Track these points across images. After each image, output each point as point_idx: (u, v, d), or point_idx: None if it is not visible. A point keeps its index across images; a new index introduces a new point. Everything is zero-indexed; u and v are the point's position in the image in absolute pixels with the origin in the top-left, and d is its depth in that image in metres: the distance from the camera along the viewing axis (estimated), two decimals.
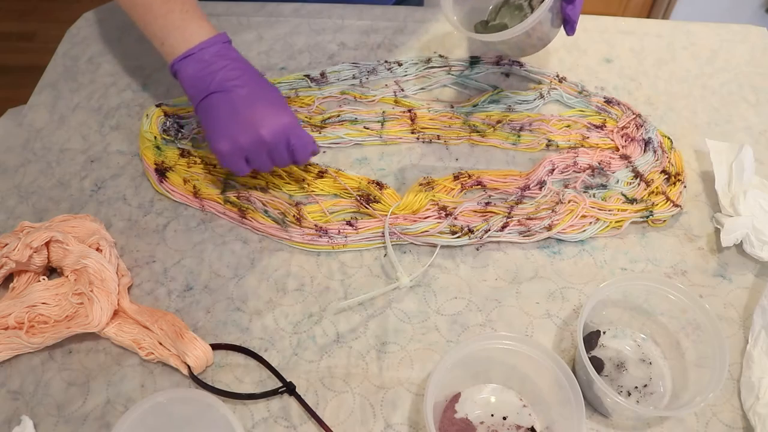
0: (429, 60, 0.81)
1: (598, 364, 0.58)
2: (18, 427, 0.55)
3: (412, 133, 0.75)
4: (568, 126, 0.75)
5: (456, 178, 0.71)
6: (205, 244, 0.67)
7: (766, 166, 0.73)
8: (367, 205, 0.68)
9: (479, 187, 0.70)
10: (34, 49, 2.02)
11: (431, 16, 0.87)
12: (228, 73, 0.62)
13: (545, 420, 0.56)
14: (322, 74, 0.80)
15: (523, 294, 0.64)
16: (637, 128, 0.74)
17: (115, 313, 0.60)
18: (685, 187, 0.70)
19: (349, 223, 0.67)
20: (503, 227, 0.66)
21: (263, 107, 0.61)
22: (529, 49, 0.71)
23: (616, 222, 0.67)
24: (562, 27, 0.68)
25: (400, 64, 0.81)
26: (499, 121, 0.75)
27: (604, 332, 0.61)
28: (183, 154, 0.73)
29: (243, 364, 0.60)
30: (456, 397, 0.57)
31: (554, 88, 0.79)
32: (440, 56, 0.82)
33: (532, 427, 0.56)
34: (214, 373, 0.59)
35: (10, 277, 0.64)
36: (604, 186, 0.70)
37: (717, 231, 0.67)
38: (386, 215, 0.66)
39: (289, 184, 0.70)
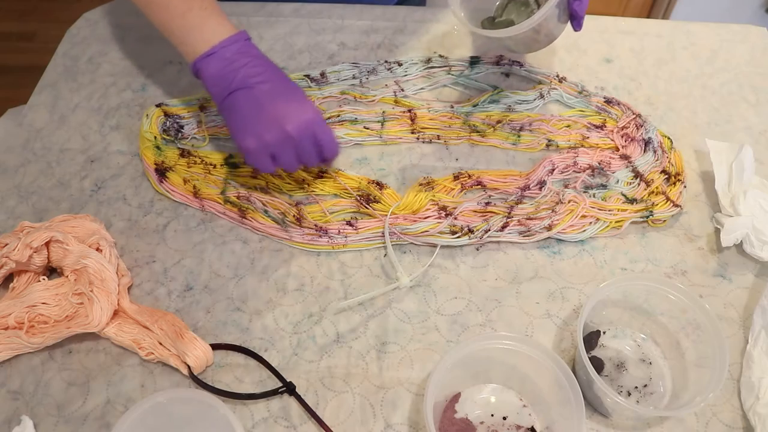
0: (429, 60, 0.81)
1: (598, 364, 0.58)
2: (18, 427, 0.55)
3: (412, 133, 0.75)
4: (568, 126, 0.75)
5: (456, 178, 0.71)
6: (205, 244, 0.67)
7: (766, 166, 0.73)
8: (367, 205, 0.68)
9: (479, 187, 0.71)
10: (34, 49, 2.02)
11: (431, 16, 0.87)
12: (250, 69, 0.62)
13: (545, 420, 0.56)
14: (322, 74, 0.80)
15: (523, 294, 0.64)
16: (637, 128, 0.74)
17: (115, 313, 0.60)
18: (685, 187, 0.70)
19: (349, 223, 0.67)
20: (503, 227, 0.66)
21: (287, 102, 0.61)
22: (535, 45, 0.71)
23: (616, 222, 0.67)
24: (568, 23, 0.68)
25: (400, 64, 0.81)
26: (499, 121, 0.75)
27: (604, 332, 0.61)
28: (183, 154, 0.73)
29: (243, 364, 0.60)
30: (456, 397, 0.57)
31: (554, 88, 0.79)
32: (440, 56, 0.82)
33: (532, 427, 0.56)
34: (214, 373, 0.59)
35: (10, 277, 0.64)
36: (604, 186, 0.70)
37: (717, 231, 0.67)
38: (386, 215, 0.66)
39: (289, 184, 0.70)
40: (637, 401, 0.57)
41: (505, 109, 0.77)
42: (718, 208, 0.68)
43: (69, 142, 0.76)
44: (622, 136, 0.74)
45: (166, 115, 0.75)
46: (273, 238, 0.67)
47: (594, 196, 0.68)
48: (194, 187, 0.70)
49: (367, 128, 0.76)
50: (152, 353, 0.59)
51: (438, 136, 0.75)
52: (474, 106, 0.77)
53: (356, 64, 0.81)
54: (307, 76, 0.79)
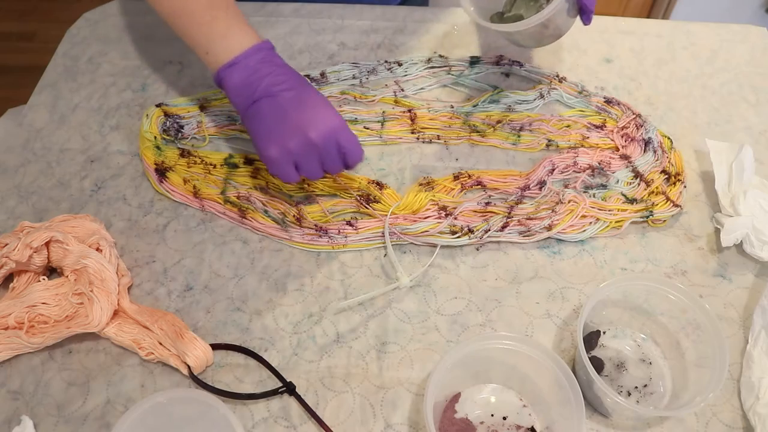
0: (429, 60, 0.81)
1: (598, 364, 0.58)
2: (18, 427, 0.55)
3: (412, 133, 0.75)
4: (568, 126, 0.75)
5: (456, 178, 0.71)
6: (205, 244, 0.67)
7: (766, 166, 0.73)
8: (367, 205, 0.68)
9: (479, 187, 0.71)
10: (34, 49, 2.02)
11: (431, 16, 0.87)
12: (274, 78, 0.61)
13: (545, 420, 0.56)
14: (322, 74, 0.80)
15: (523, 294, 0.64)
16: (637, 128, 0.74)
17: (115, 313, 0.60)
18: (685, 187, 0.70)
19: (349, 223, 0.67)
20: (503, 227, 0.66)
21: (311, 110, 0.60)
22: (545, 39, 0.71)
23: (616, 222, 0.67)
24: (576, 18, 0.68)
25: (400, 64, 0.81)
26: (499, 121, 0.75)
27: (604, 332, 0.61)
28: (183, 154, 0.73)
29: (243, 364, 0.60)
30: (456, 397, 0.57)
31: (554, 88, 0.79)
32: (440, 56, 0.82)
33: (532, 427, 0.56)
34: (214, 373, 0.59)
35: (10, 277, 0.64)
36: (604, 186, 0.70)
37: (717, 231, 0.67)
38: (386, 215, 0.66)
39: (288, 184, 0.70)
40: (637, 401, 0.57)
41: (505, 109, 0.77)
42: (718, 208, 0.68)
43: (69, 142, 0.76)
44: (622, 136, 0.74)
45: (166, 115, 0.75)
46: (273, 238, 0.67)
47: (594, 196, 0.68)
48: (194, 187, 0.70)
49: (367, 128, 0.76)
50: (152, 353, 0.59)
51: (438, 136, 0.75)
52: (474, 106, 0.77)
53: (356, 64, 0.81)
54: (307, 76, 0.79)
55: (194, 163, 0.72)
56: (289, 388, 0.57)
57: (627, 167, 0.71)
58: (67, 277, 0.62)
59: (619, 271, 0.65)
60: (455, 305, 0.63)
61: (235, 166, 0.72)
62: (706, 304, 0.55)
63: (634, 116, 0.75)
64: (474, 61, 0.81)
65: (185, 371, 0.58)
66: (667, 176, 0.70)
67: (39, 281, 0.62)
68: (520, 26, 0.65)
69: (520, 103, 0.78)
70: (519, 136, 0.74)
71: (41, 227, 0.63)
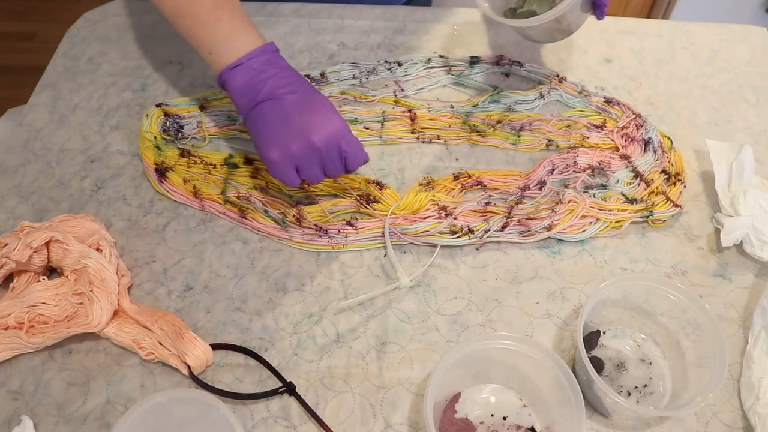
0: (429, 60, 0.81)
1: (598, 364, 0.58)
2: (18, 427, 0.55)
3: (412, 133, 0.75)
4: (568, 126, 0.75)
5: (456, 178, 0.71)
6: (205, 244, 0.67)
7: (766, 166, 0.73)
8: (367, 205, 0.68)
9: (479, 187, 0.70)
10: (34, 49, 2.02)
11: (431, 16, 0.87)
12: (278, 81, 0.61)
13: (545, 420, 0.56)
14: (322, 74, 0.80)
15: (523, 294, 0.64)
16: (637, 128, 0.74)
17: (115, 313, 0.60)
18: (685, 187, 0.70)
19: (349, 223, 0.67)
20: (503, 227, 0.66)
21: (314, 114, 0.60)
22: (558, 35, 0.71)
23: (616, 222, 0.67)
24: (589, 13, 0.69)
25: (400, 64, 0.81)
26: (499, 121, 0.75)
27: (604, 332, 0.61)
28: (183, 154, 0.73)
29: (243, 364, 0.60)
30: (456, 397, 0.57)
31: (554, 88, 0.79)
32: (440, 56, 0.82)
33: (532, 427, 0.56)
34: (214, 373, 0.59)
35: (10, 277, 0.64)
36: (604, 186, 0.70)
37: (717, 231, 0.67)
38: (386, 215, 0.66)
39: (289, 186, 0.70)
40: (637, 401, 0.57)
41: (505, 109, 0.77)
42: (718, 208, 0.68)
43: (69, 142, 0.76)
44: (622, 136, 0.74)
45: (166, 115, 0.75)
46: (273, 238, 0.67)
47: (594, 196, 0.68)
48: (194, 187, 0.70)
49: (367, 128, 0.76)
50: (152, 353, 0.59)
51: (438, 136, 0.75)
52: (474, 106, 0.77)
53: (356, 64, 0.81)
54: (307, 76, 0.79)
55: (194, 163, 0.72)
56: (289, 388, 0.57)
57: (627, 167, 0.71)
58: (67, 277, 0.62)
59: (619, 271, 0.65)
60: (455, 305, 0.63)
61: (235, 166, 0.72)
62: (706, 304, 0.55)
63: (634, 116, 0.75)
64: (474, 61, 0.81)
65: (185, 371, 0.58)
66: (667, 176, 0.70)
67: (39, 281, 0.62)
68: (534, 22, 0.65)
69: (520, 103, 0.78)
70: (519, 136, 0.74)
71: (41, 227, 0.63)
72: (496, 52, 0.83)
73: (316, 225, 0.66)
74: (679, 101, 0.79)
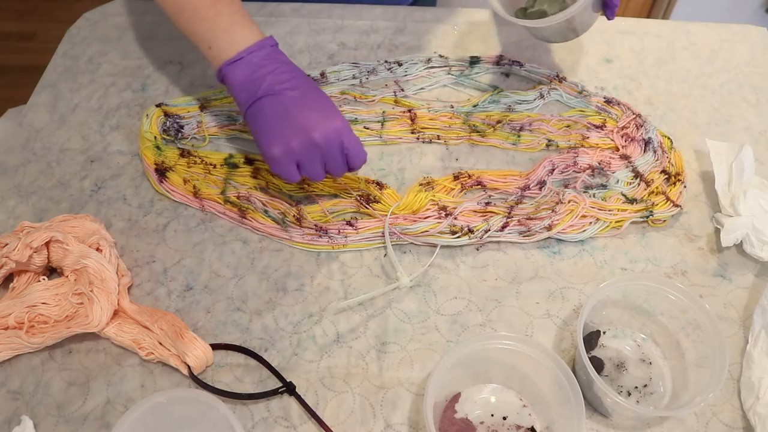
0: (429, 60, 0.81)
1: (598, 364, 0.58)
2: (18, 427, 0.55)
3: (412, 133, 0.75)
4: (568, 126, 0.75)
5: (456, 178, 0.71)
6: (205, 244, 0.67)
7: (766, 166, 0.73)
8: (367, 205, 0.68)
9: (479, 187, 0.70)
10: (34, 49, 2.02)
11: (431, 16, 0.87)
12: (278, 76, 0.61)
13: (545, 420, 0.56)
14: (322, 74, 0.80)
15: (523, 294, 0.64)
16: (637, 128, 0.74)
17: (115, 313, 0.60)
18: (685, 187, 0.70)
19: (349, 223, 0.67)
20: (503, 227, 0.66)
21: (315, 110, 0.60)
22: (569, 35, 0.71)
23: (616, 222, 0.67)
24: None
25: (400, 64, 0.81)
26: (499, 121, 0.75)
27: (604, 332, 0.61)
28: (183, 154, 0.73)
29: (243, 364, 0.60)
30: (456, 397, 0.57)
31: (554, 88, 0.79)
32: (440, 56, 0.82)
33: (532, 427, 0.56)
34: (214, 373, 0.59)
35: (10, 277, 0.64)
36: (604, 186, 0.70)
37: (717, 231, 0.67)
38: (386, 215, 0.66)
39: (289, 183, 0.70)
40: (637, 401, 0.57)
41: (505, 109, 0.77)
42: (718, 208, 0.68)
43: (69, 142, 0.76)
44: (622, 136, 0.74)
45: (166, 115, 0.75)
46: (273, 238, 0.67)
47: (594, 196, 0.68)
48: (194, 187, 0.70)
49: (367, 128, 0.75)
50: (152, 353, 0.59)
51: (438, 136, 0.75)
52: (474, 106, 0.77)
53: (356, 64, 0.81)
54: (307, 76, 0.79)
55: (194, 163, 0.72)
56: (289, 388, 0.57)
57: (627, 167, 0.71)
58: (67, 277, 0.62)
59: (619, 271, 0.65)
60: (455, 305, 0.63)
61: (235, 166, 0.72)
62: (706, 304, 0.55)
63: (634, 116, 0.75)
64: (474, 61, 0.81)
65: (185, 371, 0.58)
66: (667, 176, 0.70)
67: (39, 281, 0.62)
68: (546, 22, 0.66)
69: (520, 103, 0.78)
70: (519, 136, 0.74)
71: (41, 227, 0.63)
72: (496, 52, 0.83)
73: (316, 225, 0.66)
74: (679, 101, 0.79)
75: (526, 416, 0.56)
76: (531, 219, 0.67)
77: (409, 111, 0.77)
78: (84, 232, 0.64)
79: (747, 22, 0.89)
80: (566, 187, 0.70)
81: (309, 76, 0.79)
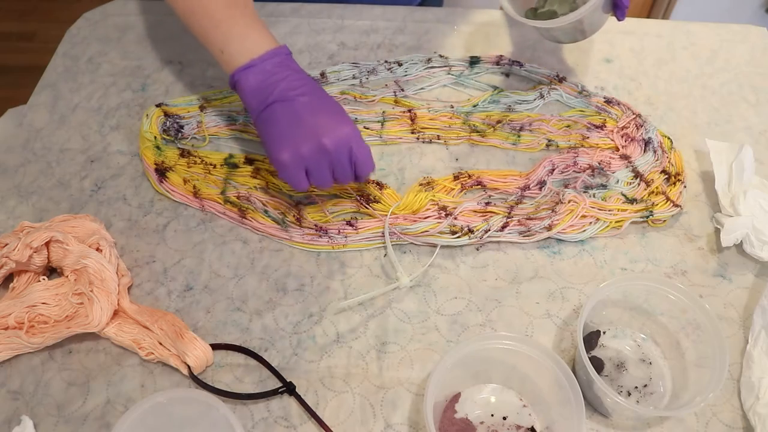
0: (429, 60, 0.81)
1: (598, 364, 0.58)
2: (18, 427, 0.55)
3: (412, 133, 0.75)
4: (568, 126, 0.75)
5: (456, 178, 0.71)
6: (205, 244, 0.67)
7: (766, 166, 0.73)
8: (367, 205, 0.68)
9: (479, 187, 0.71)
10: (34, 49, 2.02)
11: (431, 16, 0.87)
12: (290, 83, 0.60)
13: (545, 420, 0.56)
14: (322, 74, 0.80)
15: (523, 294, 0.64)
16: (637, 128, 0.74)
17: (115, 313, 0.60)
18: (685, 187, 0.70)
19: (349, 223, 0.67)
20: (503, 227, 0.66)
21: (325, 116, 0.59)
22: (579, 35, 0.71)
23: (616, 222, 0.67)
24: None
25: (400, 64, 0.81)
26: (499, 121, 0.75)
27: (604, 332, 0.61)
28: (183, 154, 0.73)
29: (243, 364, 0.60)
30: (456, 397, 0.57)
31: (554, 88, 0.79)
32: (440, 56, 0.82)
33: (532, 427, 0.56)
34: (214, 373, 0.59)
35: (10, 277, 0.64)
36: (604, 186, 0.70)
37: (717, 231, 0.67)
38: (386, 215, 0.66)
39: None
40: (637, 401, 0.57)
41: (505, 109, 0.77)
42: (718, 208, 0.68)
43: (69, 142, 0.76)
44: (622, 136, 0.74)
45: (166, 115, 0.75)
46: (273, 238, 0.67)
47: (594, 196, 0.68)
48: (194, 187, 0.70)
49: (367, 128, 0.76)
50: (152, 353, 0.59)
51: (438, 136, 0.75)
52: (474, 106, 0.77)
53: (356, 64, 0.81)
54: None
55: (194, 163, 0.72)
56: (289, 388, 0.57)
57: (627, 167, 0.71)
58: (67, 277, 0.62)
59: (619, 271, 0.65)
60: (455, 305, 0.63)
61: (235, 166, 0.72)
62: (706, 304, 0.55)
63: (634, 116, 0.75)
64: (474, 61, 0.81)
65: (185, 371, 0.58)
66: (667, 176, 0.70)
67: (39, 281, 0.62)
68: (556, 23, 0.66)
69: (520, 103, 0.78)
70: (519, 136, 0.74)
71: (41, 227, 0.63)
72: (496, 52, 0.83)
73: (316, 225, 0.67)
74: (679, 101, 0.79)
75: (526, 416, 0.56)
76: (531, 219, 0.67)
77: (409, 111, 0.77)
78: (84, 232, 0.64)
79: (747, 22, 0.89)
80: (566, 187, 0.70)
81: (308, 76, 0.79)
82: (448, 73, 0.81)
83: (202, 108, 0.76)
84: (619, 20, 0.69)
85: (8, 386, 0.59)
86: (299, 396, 0.57)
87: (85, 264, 0.60)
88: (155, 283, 0.65)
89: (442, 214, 0.66)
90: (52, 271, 0.65)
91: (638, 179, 0.70)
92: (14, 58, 1.99)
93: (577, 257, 0.66)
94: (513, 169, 0.72)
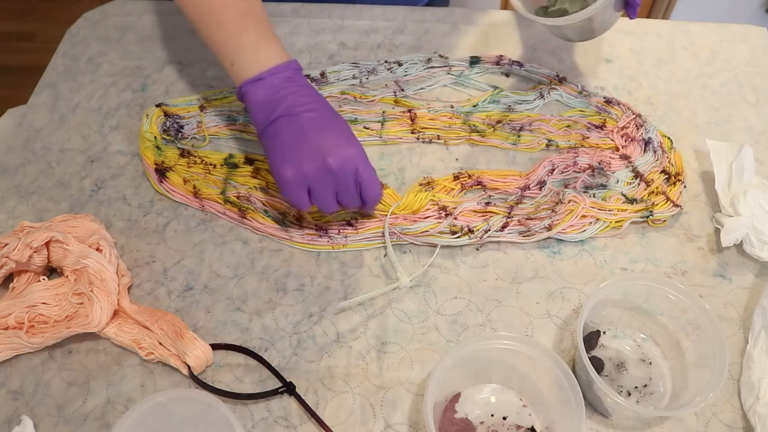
0: (429, 60, 0.81)
1: (598, 364, 0.58)
2: (18, 427, 0.55)
3: (412, 133, 0.75)
4: (568, 126, 0.75)
5: (456, 178, 0.71)
6: (205, 244, 0.67)
7: (766, 166, 0.73)
8: None
9: (479, 187, 0.71)
10: (34, 49, 2.02)
11: (431, 16, 0.87)
12: (298, 98, 0.59)
13: (545, 420, 0.56)
14: (322, 74, 0.80)
15: (523, 294, 0.64)
16: (637, 128, 0.74)
17: (115, 313, 0.60)
18: (685, 187, 0.70)
19: (349, 223, 0.67)
20: (503, 227, 0.66)
21: (331, 135, 0.58)
22: (590, 33, 0.71)
23: (616, 222, 0.67)
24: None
25: (400, 64, 0.81)
26: (499, 121, 0.75)
27: (604, 332, 0.61)
28: (183, 154, 0.73)
29: (243, 364, 0.60)
30: (456, 397, 0.57)
31: (554, 88, 0.79)
32: (440, 56, 0.82)
33: (532, 427, 0.56)
34: (214, 373, 0.59)
35: (10, 277, 0.64)
36: (604, 186, 0.70)
37: (717, 231, 0.67)
38: (386, 215, 0.66)
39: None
40: (637, 401, 0.57)
41: (505, 109, 0.77)
42: (718, 208, 0.68)
43: (69, 142, 0.76)
44: (622, 136, 0.74)
45: (166, 115, 0.75)
46: (273, 238, 0.67)
47: (594, 196, 0.68)
48: (194, 187, 0.70)
49: (367, 128, 0.76)
50: (152, 353, 0.59)
51: (438, 136, 0.75)
52: (474, 106, 0.77)
53: (356, 64, 0.81)
54: (307, 76, 0.79)
55: (194, 163, 0.72)
56: (289, 388, 0.57)
57: (627, 167, 0.71)
58: (67, 277, 0.62)
59: (619, 271, 0.65)
60: (455, 305, 0.63)
61: (235, 166, 0.72)
62: (706, 304, 0.55)
63: (634, 116, 0.75)
64: (474, 61, 0.81)
65: (185, 371, 0.58)
66: (667, 176, 0.70)
67: (39, 281, 0.62)
68: (567, 21, 0.66)
69: (520, 103, 0.78)
70: (519, 136, 0.74)
71: (41, 227, 0.63)
72: (496, 52, 0.83)
73: (316, 225, 0.67)
74: (679, 101, 0.79)
75: (526, 416, 0.56)
76: (531, 219, 0.67)
77: (409, 111, 0.77)
78: (84, 232, 0.64)
79: (747, 22, 0.89)
80: (566, 187, 0.70)
81: (309, 76, 0.79)
82: (448, 73, 0.81)
83: (202, 108, 0.76)
84: (630, 18, 0.69)
85: (8, 386, 0.59)
86: (299, 396, 0.57)
87: (85, 264, 0.60)
88: (155, 283, 0.65)
89: (442, 214, 0.66)
90: (52, 271, 0.65)
91: (638, 179, 0.70)
92: (14, 58, 1.99)
93: (577, 257, 0.66)
94: (513, 169, 0.72)
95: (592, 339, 0.60)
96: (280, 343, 0.61)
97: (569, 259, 0.66)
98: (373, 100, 0.78)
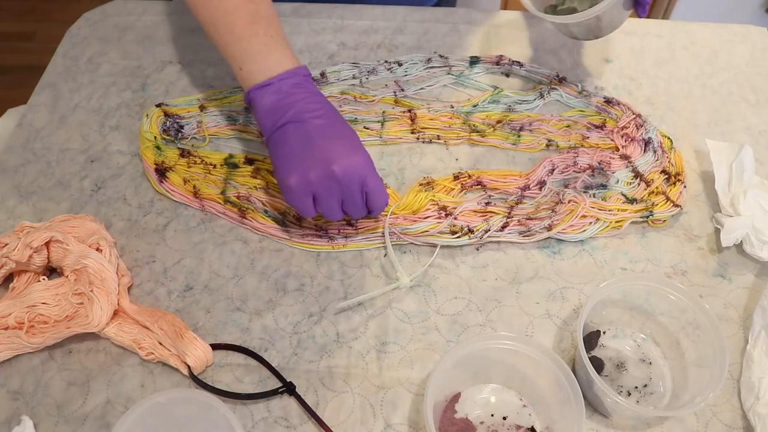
0: (429, 60, 0.81)
1: (598, 364, 0.58)
2: (18, 427, 0.55)
3: (412, 133, 0.75)
4: (568, 126, 0.75)
5: (456, 178, 0.71)
6: (205, 244, 0.67)
7: (766, 166, 0.73)
8: None
9: (479, 187, 0.71)
10: (34, 49, 2.02)
11: (431, 16, 0.87)
12: (306, 105, 0.59)
13: (545, 420, 0.56)
14: (322, 74, 0.80)
15: (523, 294, 0.64)
16: (637, 128, 0.74)
17: (115, 313, 0.60)
18: (685, 187, 0.70)
19: (349, 223, 0.67)
20: (503, 227, 0.66)
21: (338, 142, 0.57)
22: (598, 32, 0.71)
23: (616, 222, 0.67)
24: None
25: (400, 64, 0.81)
26: (499, 121, 0.75)
27: (604, 332, 0.61)
28: (183, 154, 0.73)
29: (243, 364, 0.60)
30: (456, 397, 0.57)
31: (554, 88, 0.79)
32: (440, 56, 0.82)
33: (532, 427, 0.56)
34: (214, 373, 0.59)
35: (10, 277, 0.64)
36: (604, 186, 0.70)
37: (717, 231, 0.67)
38: (386, 215, 0.66)
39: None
40: (637, 401, 0.57)
41: (505, 109, 0.77)
42: (718, 208, 0.68)
43: (69, 142, 0.76)
44: (622, 136, 0.74)
45: (166, 115, 0.75)
46: (273, 238, 0.67)
47: (594, 196, 0.68)
48: (194, 187, 0.70)
49: (367, 128, 0.76)
50: (152, 353, 0.59)
51: (438, 136, 0.75)
52: (474, 106, 0.77)
53: (356, 64, 0.81)
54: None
55: (194, 163, 0.72)
56: (289, 388, 0.57)
57: (627, 167, 0.71)
58: (67, 277, 0.62)
59: (619, 271, 0.65)
60: (455, 305, 0.63)
61: (235, 166, 0.72)
62: (706, 304, 0.55)
63: (634, 116, 0.75)
64: (474, 61, 0.81)
65: (185, 371, 0.58)
66: (667, 176, 0.70)
67: (39, 281, 0.62)
68: (576, 18, 0.66)
69: (520, 103, 0.78)
70: (519, 136, 0.74)
71: (41, 227, 0.63)
72: (496, 52, 0.83)
73: (316, 225, 0.67)
74: (679, 101, 0.79)
75: (526, 416, 0.56)
76: (531, 219, 0.67)
77: (409, 111, 0.77)
78: (84, 232, 0.64)
79: (747, 22, 0.89)
80: (566, 187, 0.70)
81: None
82: (448, 73, 0.81)
83: (202, 108, 0.76)
84: (639, 16, 0.69)
85: (8, 386, 0.59)
86: (299, 396, 0.57)
87: (85, 264, 0.60)
88: (155, 283, 0.65)
89: (442, 214, 0.66)
90: (52, 271, 0.65)
91: (638, 179, 0.70)
92: (14, 58, 1.99)
93: (577, 257, 0.66)
94: (513, 169, 0.72)
95: (592, 339, 0.60)
96: (280, 343, 0.61)
97: (569, 259, 0.66)
98: (373, 100, 0.78)
